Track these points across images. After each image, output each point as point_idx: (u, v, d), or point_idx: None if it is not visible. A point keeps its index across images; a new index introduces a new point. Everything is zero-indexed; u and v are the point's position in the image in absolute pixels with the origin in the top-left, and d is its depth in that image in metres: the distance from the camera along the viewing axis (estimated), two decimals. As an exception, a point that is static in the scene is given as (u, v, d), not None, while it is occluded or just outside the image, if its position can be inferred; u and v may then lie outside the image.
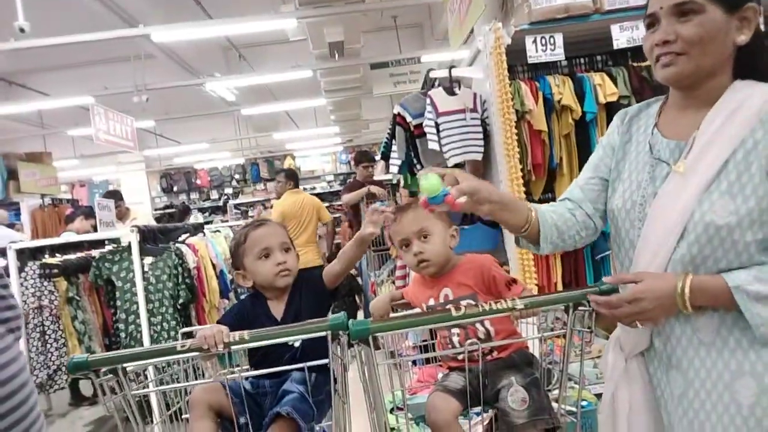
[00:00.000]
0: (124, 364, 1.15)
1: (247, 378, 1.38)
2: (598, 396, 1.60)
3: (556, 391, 2.69)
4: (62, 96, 7.15)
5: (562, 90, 3.09)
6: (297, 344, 1.39)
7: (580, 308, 1.17)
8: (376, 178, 5.11)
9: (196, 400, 1.33)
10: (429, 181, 1.02)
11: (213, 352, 1.13)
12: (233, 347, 1.16)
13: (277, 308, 1.45)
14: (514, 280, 1.38)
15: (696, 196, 1.06)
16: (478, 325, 1.32)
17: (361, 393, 1.27)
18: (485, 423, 1.40)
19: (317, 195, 8.89)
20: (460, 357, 1.28)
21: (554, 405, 1.30)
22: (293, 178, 5.24)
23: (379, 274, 4.37)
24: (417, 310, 1.42)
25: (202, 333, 1.14)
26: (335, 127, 11.96)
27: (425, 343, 1.86)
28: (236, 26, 5.31)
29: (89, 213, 4.70)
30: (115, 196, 5.10)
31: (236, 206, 13.78)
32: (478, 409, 1.31)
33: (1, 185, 6.32)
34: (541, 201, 2.76)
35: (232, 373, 1.36)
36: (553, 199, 1.93)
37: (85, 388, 4.40)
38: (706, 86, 1.11)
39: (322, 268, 1.50)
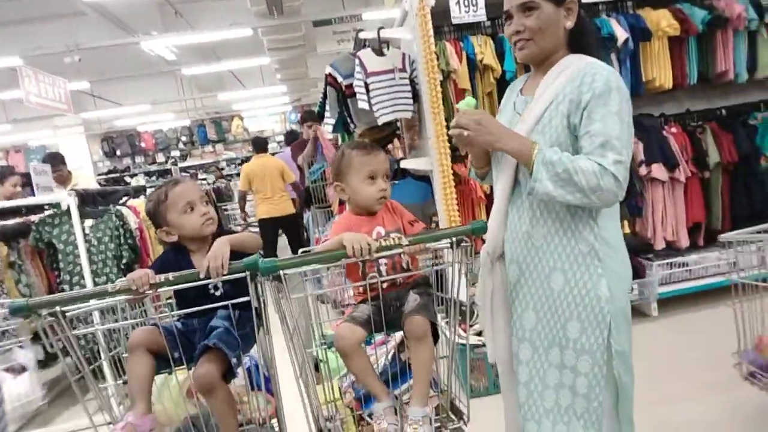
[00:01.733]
0: (62, 307, 1.29)
1: (178, 319, 1.55)
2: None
3: (477, 326, 2.97)
4: (-13, 57, 6.81)
5: (484, 50, 3.27)
6: (218, 293, 1.53)
7: (462, 244, 1.38)
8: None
9: (134, 342, 1.48)
10: (466, 101, 1.51)
11: (141, 293, 1.28)
12: (159, 290, 1.32)
13: (200, 261, 1.51)
14: (417, 221, 1.59)
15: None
16: (403, 256, 1.50)
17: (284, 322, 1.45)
18: (397, 343, 1.64)
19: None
20: (362, 289, 1.47)
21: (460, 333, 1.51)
22: (256, 144, 5.95)
23: (324, 230, 4.54)
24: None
25: (131, 276, 1.30)
26: (282, 86, 11.80)
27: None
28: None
29: (3, 173, 4.39)
30: (56, 159, 4.91)
31: (184, 169, 13.45)
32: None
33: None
34: (466, 157, 2.97)
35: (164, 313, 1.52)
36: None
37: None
38: (549, 60, 1.50)
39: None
